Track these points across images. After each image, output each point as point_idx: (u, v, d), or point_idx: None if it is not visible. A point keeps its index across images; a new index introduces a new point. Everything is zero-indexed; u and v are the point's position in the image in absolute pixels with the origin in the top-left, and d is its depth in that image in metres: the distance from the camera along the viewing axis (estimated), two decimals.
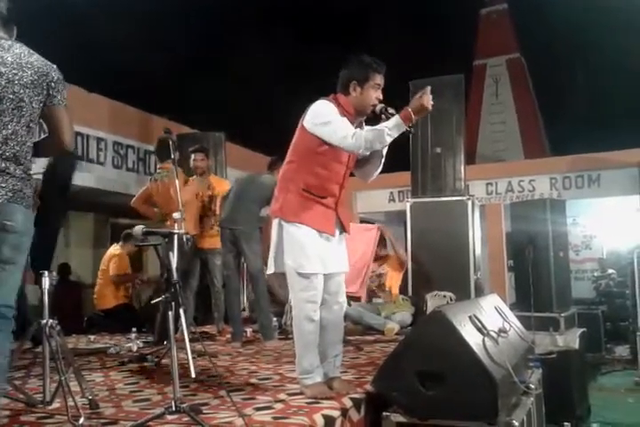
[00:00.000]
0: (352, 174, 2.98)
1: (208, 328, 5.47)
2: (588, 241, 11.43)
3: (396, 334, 5.00)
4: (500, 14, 16.43)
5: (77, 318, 6.58)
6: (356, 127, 2.78)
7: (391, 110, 2.72)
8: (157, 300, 2.58)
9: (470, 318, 2.68)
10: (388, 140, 2.63)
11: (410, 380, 2.46)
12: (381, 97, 2.80)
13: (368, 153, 2.73)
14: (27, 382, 3.24)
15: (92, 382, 3.11)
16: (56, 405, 2.58)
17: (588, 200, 9.85)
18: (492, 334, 2.69)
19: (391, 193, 10.70)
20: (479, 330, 2.63)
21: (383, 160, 2.90)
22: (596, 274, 10.53)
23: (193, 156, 5.23)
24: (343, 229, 2.91)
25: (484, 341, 2.56)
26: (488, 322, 2.77)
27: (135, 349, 4.39)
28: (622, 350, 7.47)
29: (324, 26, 16.20)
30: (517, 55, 16.13)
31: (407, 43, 14.99)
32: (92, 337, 5.26)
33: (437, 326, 2.50)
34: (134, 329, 4.65)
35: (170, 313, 2.50)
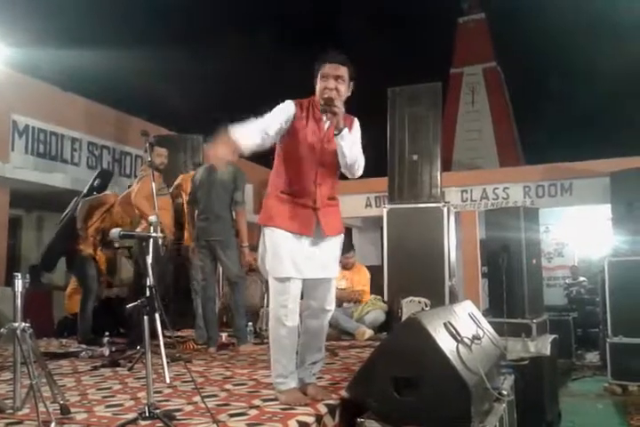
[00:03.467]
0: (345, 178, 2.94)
1: (183, 333, 5.43)
2: (560, 249, 11.63)
3: (371, 339, 5.02)
4: (478, 23, 16.65)
5: (48, 321, 6.47)
6: (331, 122, 2.72)
7: (325, 95, 2.66)
8: (133, 304, 2.55)
9: (445, 324, 2.70)
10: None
11: (384, 386, 2.47)
12: (331, 86, 2.69)
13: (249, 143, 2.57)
14: None
15: (64, 387, 3.06)
16: (26, 410, 2.53)
17: (561, 208, 10.01)
18: (466, 340, 2.71)
19: (368, 198, 10.76)
20: (453, 337, 2.65)
21: (345, 150, 2.68)
22: (567, 281, 10.72)
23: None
24: (323, 232, 2.76)
25: (457, 348, 2.58)
26: (462, 329, 2.80)
27: (107, 353, 4.34)
28: (592, 357, 7.58)
29: (304, 33, 16.27)
30: (494, 64, 16.35)
31: (386, 51, 15.14)
32: (63, 341, 5.19)
33: (412, 332, 2.51)
34: (107, 333, 4.59)
35: (145, 318, 2.48)
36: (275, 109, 2.73)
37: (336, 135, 2.68)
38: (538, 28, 16.69)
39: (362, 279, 5.82)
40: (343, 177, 3.00)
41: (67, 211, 5.13)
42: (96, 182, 5.10)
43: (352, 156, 2.71)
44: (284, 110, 2.73)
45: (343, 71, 2.74)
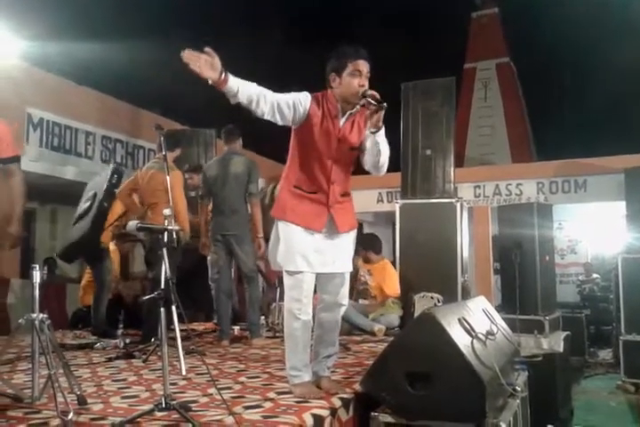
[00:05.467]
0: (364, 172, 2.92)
1: (196, 325, 5.46)
2: (574, 245, 11.57)
3: (385, 334, 5.01)
4: (491, 18, 16.51)
5: (62, 313, 6.52)
6: (348, 119, 2.73)
7: (370, 92, 2.62)
8: (149, 296, 2.57)
9: (459, 320, 2.70)
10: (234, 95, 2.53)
11: (398, 380, 2.47)
12: (365, 83, 2.68)
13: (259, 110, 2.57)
14: (13, 376, 3.21)
15: (80, 378, 3.09)
16: (44, 400, 2.56)
17: (574, 205, 9.94)
18: (481, 336, 2.71)
19: (380, 194, 10.74)
20: (468, 332, 2.65)
21: (382, 148, 2.70)
22: (580, 278, 10.66)
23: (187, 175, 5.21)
24: (336, 229, 2.78)
25: (472, 343, 2.58)
26: (476, 324, 2.79)
27: (122, 345, 4.37)
28: (605, 354, 7.56)
29: (315, 27, 16.21)
30: (507, 59, 16.21)
31: (399, 45, 15.05)
32: (77, 332, 5.23)
33: (427, 327, 2.51)
34: (121, 325, 4.62)
35: (161, 310, 2.49)
36: (291, 95, 2.67)
37: (374, 133, 2.68)
38: (552, 23, 16.54)
39: (384, 278, 5.74)
40: (354, 172, 2.99)
41: (88, 204, 5.06)
42: (114, 179, 5.07)
43: (385, 154, 2.74)
44: (300, 100, 2.67)
45: (369, 68, 2.74)
